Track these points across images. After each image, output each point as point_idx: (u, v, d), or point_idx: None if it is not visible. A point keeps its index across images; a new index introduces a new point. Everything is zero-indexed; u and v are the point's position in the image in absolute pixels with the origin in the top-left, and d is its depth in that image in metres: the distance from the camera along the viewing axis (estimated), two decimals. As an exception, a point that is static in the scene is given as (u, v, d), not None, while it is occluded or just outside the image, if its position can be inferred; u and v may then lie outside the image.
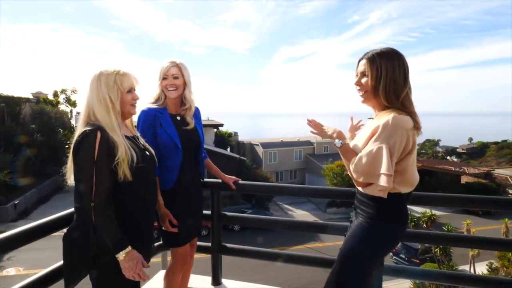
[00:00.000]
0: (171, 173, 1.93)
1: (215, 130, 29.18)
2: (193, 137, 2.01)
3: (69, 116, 30.04)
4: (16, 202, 19.41)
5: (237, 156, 26.93)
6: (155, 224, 2.02)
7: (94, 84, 1.47)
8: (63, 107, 30.51)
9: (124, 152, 1.40)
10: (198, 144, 2.04)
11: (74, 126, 27.56)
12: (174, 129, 1.92)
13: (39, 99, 27.21)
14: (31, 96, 27.03)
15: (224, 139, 31.85)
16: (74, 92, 31.68)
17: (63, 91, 31.20)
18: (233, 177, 2.28)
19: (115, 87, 1.48)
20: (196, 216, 2.08)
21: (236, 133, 36.16)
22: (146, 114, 1.90)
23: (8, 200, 18.77)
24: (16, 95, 23.59)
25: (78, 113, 27.48)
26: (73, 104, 31.34)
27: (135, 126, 1.78)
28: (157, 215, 1.95)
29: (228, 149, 31.04)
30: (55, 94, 30.78)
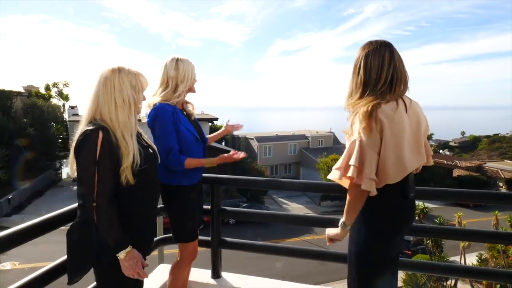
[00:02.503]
0: (195, 168, 1.93)
1: (210, 124, 29.09)
2: (200, 129, 2.06)
3: (62, 110, 29.66)
4: (9, 197, 19.24)
5: (232, 150, 26.89)
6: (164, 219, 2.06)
7: (116, 81, 1.40)
8: (55, 101, 30.13)
9: (131, 158, 1.37)
10: (203, 136, 2.08)
11: (67, 120, 27.22)
12: (190, 124, 1.95)
13: (30, 93, 26.78)
14: (22, 90, 26.59)
15: (219, 133, 31.72)
16: (66, 86, 31.26)
17: (55, 85, 30.75)
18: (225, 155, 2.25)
19: (137, 87, 1.45)
20: (201, 210, 2.14)
21: (231, 127, 36.03)
22: (165, 111, 1.84)
23: (1, 195, 18.59)
24: (6, 88, 23.20)
25: (71, 107, 27.18)
26: (65, 98, 30.94)
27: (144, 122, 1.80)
28: (169, 211, 1.98)
29: (223, 143, 31.02)
30: (47, 88, 30.33)
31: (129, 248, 1.40)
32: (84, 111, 1.45)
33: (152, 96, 1.92)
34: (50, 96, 29.59)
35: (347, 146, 1.46)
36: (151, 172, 1.53)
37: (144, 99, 1.55)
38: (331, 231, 1.53)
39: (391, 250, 1.54)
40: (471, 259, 13.53)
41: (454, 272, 2.33)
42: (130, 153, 1.37)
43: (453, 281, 12.45)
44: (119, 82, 1.40)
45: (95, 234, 1.39)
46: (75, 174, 1.39)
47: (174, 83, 1.89)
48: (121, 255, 1.38)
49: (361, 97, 1.44)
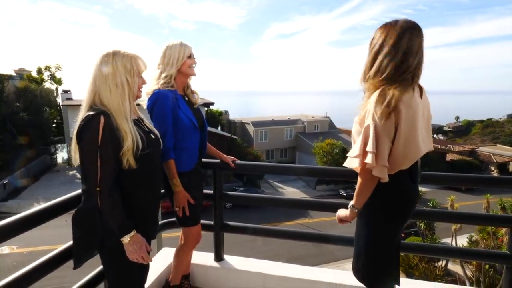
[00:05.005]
0: (191, 154, 1.95)
1: (206, 108, 28.88)
2: (201, 116, 2.05)
3: (55, 94, 29.16)
4: (5, 182, 19.17)
5: (228, 134, 26.90)
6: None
7: (110, 65, 1.39)
8: (48, 84, 29.57)
9: (131, 141, 1.37)
10: (204, 123, 2.07)
11: (60, 104, 26.82)
12: (190, 110, 1.94)
13: (22, 76, 26.23)
14: (13, 73, 26.04)
15: (214, 118, 31.65)
16: (58, 69, 30.64)
17: (47, 68, 30.12)
18: (232, 157, 2.32)
19: (132, 71, 1.43)
20: (201, 195, 2.15)
21: (226, 112, 35.92)
22: (165, 97, 1.82)
23: (-4, 180, 18.52)
24: (-3, 71, 22.70)
25: (64, 91, 26.71)
26: (58, 81, 30.36)
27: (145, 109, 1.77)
28: (169, 197, 1.99)
29: (219, 128, 30.95)
30: (39, 71, 29.72)
31: (133, 233, 1.41)
32: (84, 97, 1.43)
33: (149, 83, 1.91)
34: (43, 80, 29.04)
35: (355, 128, 1.45)
36: (154, 157, 1.53)
37: (144, 82, 1.53)
38: (341, 212, 1.57)
39: (399, 235, 1.57)
40: (462, 241, 13.90)
41: (450, 254, 2.39)
42: (128, 136, 1.37)
43: (444, 262, 12.84)
44: (113, 66, 1.40)
45: (99, 219, 1.39)
46: (78, 162, 1.39)
47: (162, 68, 1.89)
48: (125, 239, 1.39)
49: (383, 80, 1.38)
